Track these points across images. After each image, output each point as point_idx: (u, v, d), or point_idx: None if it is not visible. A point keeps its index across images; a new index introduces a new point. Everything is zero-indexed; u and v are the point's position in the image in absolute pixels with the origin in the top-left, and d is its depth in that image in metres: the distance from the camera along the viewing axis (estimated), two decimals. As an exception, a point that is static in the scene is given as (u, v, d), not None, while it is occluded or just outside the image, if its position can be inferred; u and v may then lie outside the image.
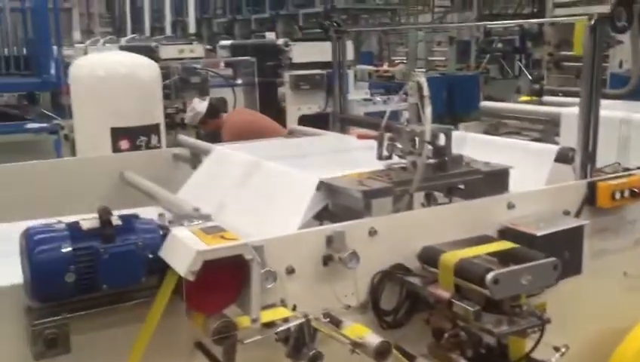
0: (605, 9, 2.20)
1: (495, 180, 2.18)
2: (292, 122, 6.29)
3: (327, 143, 3.07)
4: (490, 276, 1.68)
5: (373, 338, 1.60)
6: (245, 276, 1.50)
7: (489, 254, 1.88)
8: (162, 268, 1.53)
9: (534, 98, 11.20)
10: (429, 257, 1.89)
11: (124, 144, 3.98)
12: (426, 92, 2.00)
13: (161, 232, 1.57)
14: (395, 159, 2.16)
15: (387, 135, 2.13)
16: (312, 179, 2.07)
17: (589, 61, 2.27)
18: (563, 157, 2.44)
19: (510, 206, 2.14)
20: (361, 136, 2.27)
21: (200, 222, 1.63)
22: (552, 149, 2.51)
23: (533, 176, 2.46)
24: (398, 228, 1.94)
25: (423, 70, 14.51)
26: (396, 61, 16.96)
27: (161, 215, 1.82)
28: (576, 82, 11.99)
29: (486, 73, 15.40)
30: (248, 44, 8.23)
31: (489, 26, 14.18)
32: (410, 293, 1.90)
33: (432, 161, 2.09)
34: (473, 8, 17.47)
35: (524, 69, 15.64)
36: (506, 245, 1.93)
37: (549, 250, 2.02)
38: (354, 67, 13.16)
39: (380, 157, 2.13)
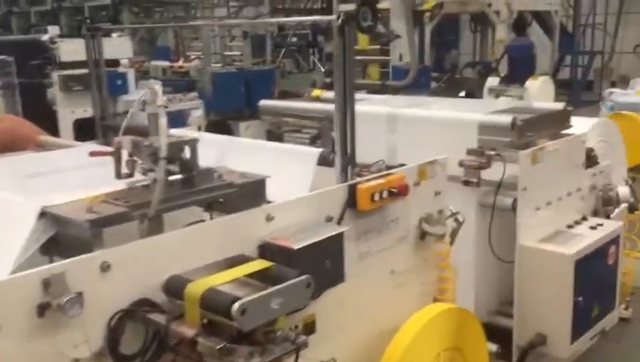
0: (351, 7, 2.14)
1: (252, 192, 2.02)
2: (66, 128, 5.68)
3: (78, 157, 2.69)
4: (236, 307, 1.51)
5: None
6: None
7: (245, 277, 1.73)
8: None
9: (326, 91, 11.60)
10: (175, 288, 1.67)
11: None
12: (160, 101, 1.76)
13: None
14: (139, 176, 1.91)
15: (127, 150, 1.87)
16: (32, 206, 1.73)
17: (340, 61, 2.22)
18: (324, 160, 2.38)
19: (269, 218, 2.01)
20: (94, 154, 1.97)
21: None
22: (315, 153, 2.44)
23: (297, 182, 2.36)
24: (139, 257, 1.69)
25: (219, 65, 14.28)
26: (192, 56, 16.52)
27: None
28: (362, 75, 12.64)
29: (282, 67, 15.60)
30: (6, 40, 7.29)
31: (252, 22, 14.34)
32: (157, 333, 1.67)
33: (178, 177, 1.87)
34: (266, 3, 17.66)
35: (317, 62, 16.18)
36: (261, 265, 1.77)
37: (309, 262, 1.93)
38: (148, 63, 12.51)
39: (119, 176, 1.86)
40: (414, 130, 3.48)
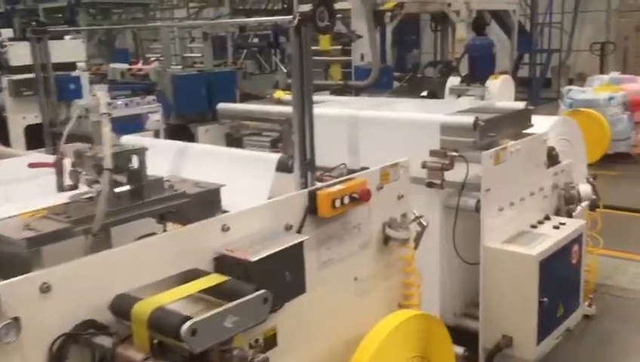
0: (308, 8, 2.06)
1: (206, 201, 1.92)
2: (16, 134, 5.46)
3: (18, 169, 2.54)
4: (185, 327, 1.41)
5: None
6: None
7: (198, 293, 1.63)
8: None
9: (289, 92, 11.52)
10: (122, 308, 1.56)
11: None
12: (104, 108, 1.65)
13: None
14: (84, 187, 1.79)
15: (69, 160, 1.75)
16: (-36, 225, 1.60)
17: (297, 62, 2.13)
18: (283, 166, 2.29)
19: (225, 228, 1.91)
20: (33, 165, 1.84)
21: None
22: (273, 159, 2.35)
23: (255, 190, 2.27)
24: (83, 276, 1.57)
25: (179, 67, 14.06)
26: (152, 59, 16.22)
27: None
28: (325, 75, 12.60)
29: (244, 69, 15.46)
30: (-54, 45, 6.99)
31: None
32: (103, 358, 1.55)
33: (125, 188, 1.75)
34: (226, 4, 17.47)
35: (279, 63, 16.07)
36: (215, 279, 1.67)
37: (267, 274, 1.84)
38: (106, 66, 12.23)
39: (61, 188, 1.74)
40: (376, 131, 3.42)
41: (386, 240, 2.54)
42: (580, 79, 13.54)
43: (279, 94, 10.97)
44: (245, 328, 1.56)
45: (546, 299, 2.95)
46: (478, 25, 10.39)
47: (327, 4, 2.03)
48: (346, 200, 2.21)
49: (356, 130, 3.48)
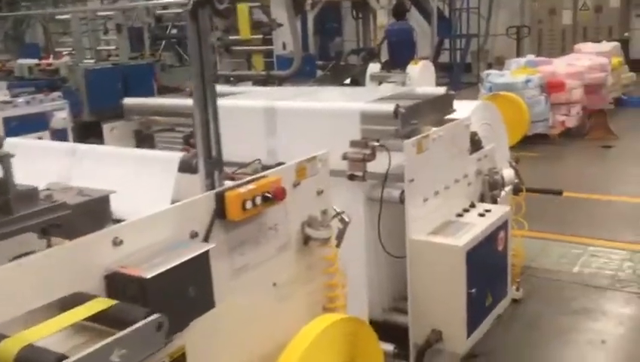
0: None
1: (92, 212, 1.67)
2: None
3: None
4: (58, 370, 1.17)
5: None
6: None
7: (81, 322, 1.39)
8: None
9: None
10: (-15, 348, 1.30)
11: None
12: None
13: None
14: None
15: None
16: None
17: (195, 49, 1.90)
18: (187, 167, 2.06)
19: (117, 242, 1.66)
20: None
21: None
22: (174, 158, 2.11)
23: (155, 194, 2.03)
24: None
25: (93, 60, 13.37)
26: (63, 53, 15.36)
27: None
28: (248, 65, 12.30)
29: (162, 61, 14.94)
30: None
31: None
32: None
33: (-11, 202, 1.49)
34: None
35: (200, 54, 15.57)
36: (100, 305, 1.44)
37: (167, 292, 1.61)
38: (13, 62, 11.55)
39: None
40: (295, 123, 3.23)
41: (306, 240, 2.36)
42: (499, 63, 13.85)
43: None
44: (137, 361, 1.34)
45: (474, 290, 2.86)
46: (399, 11, 10.36)
47: (224, -16, 1.81)
48: (258, 200, 2.00)
49: (274, 123, 3.28)
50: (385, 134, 3.03)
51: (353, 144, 2.97)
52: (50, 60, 13.37)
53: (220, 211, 1.93)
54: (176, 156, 2.12)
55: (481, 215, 3.17)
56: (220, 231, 1.96)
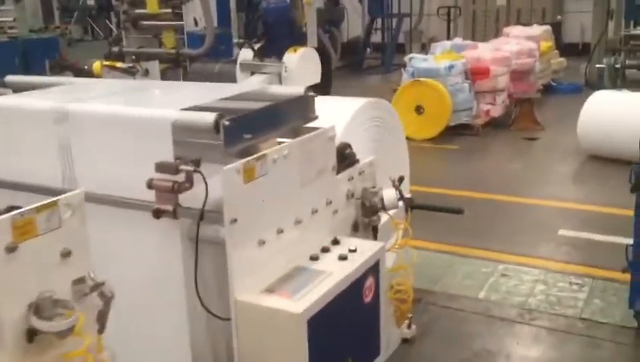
0: None
1: None
2: None
3: None
4: None
5: None
6: None
7: None
8: None
9: (115, 62, 9.84)
10: None
11: None
12: None
13: None
14: None
15: None
16: None
17: None
18: None
19: None
20: None
21: None
22: None
23: None
24: None
25: (-17, 34, 12.00)
26: (-46, 24, 13.82)
27: None
28: (156, 42, 11.24)
29: (68, 34, 13.70)
30: None
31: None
32: None
33: None
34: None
35: (114, 28, 14.37)
36: None
37: None
38: None
39: None
40: (93, 134, 2.38)
41: (31, 335, 1.55)
42: (433, 43, 13.22)
43: (97, 65, 9.24)
44: None
45: (321, 365, 2.12)
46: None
47: None
48: None
49: (67, 132, 2.41)
50: (208, 153, 2.23)
51: (160, 167, 2.16)
52: (-64, 33, 11.92)
53: None
54: None
55: (343, 258, 2.41)
56: None
